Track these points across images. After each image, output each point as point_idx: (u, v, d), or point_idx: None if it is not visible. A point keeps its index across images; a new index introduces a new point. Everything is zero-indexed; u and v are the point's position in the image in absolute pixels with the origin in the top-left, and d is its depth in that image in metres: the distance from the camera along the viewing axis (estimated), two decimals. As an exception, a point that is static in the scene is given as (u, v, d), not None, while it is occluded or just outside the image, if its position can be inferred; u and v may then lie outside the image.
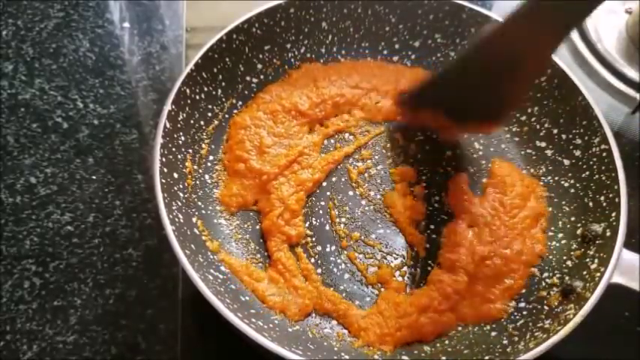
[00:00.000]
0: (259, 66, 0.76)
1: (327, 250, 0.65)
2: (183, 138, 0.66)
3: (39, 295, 0.63)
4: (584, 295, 0.55)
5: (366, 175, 0.71)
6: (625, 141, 0.80)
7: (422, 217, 0.68)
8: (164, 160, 0.60)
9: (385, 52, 0.81)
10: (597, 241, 0.60)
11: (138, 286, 0.65)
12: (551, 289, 0.61)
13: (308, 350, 0.55)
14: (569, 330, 0.51)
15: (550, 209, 0.68)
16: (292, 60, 0.78)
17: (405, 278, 0.64)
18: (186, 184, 0.64)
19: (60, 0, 0.90)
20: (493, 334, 0.59)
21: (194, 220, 0.63)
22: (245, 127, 0.71)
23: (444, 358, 0.57)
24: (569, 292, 0.58)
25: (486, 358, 0.55)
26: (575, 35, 0.90)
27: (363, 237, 0.66)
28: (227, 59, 0.71)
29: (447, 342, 0.59)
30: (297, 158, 0.69)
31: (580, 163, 0.67)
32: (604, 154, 0.64)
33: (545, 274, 0.63)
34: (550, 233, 0.66)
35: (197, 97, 0.68)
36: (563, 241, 0.64)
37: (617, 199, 0.60)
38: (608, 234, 0.59)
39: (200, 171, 0.68)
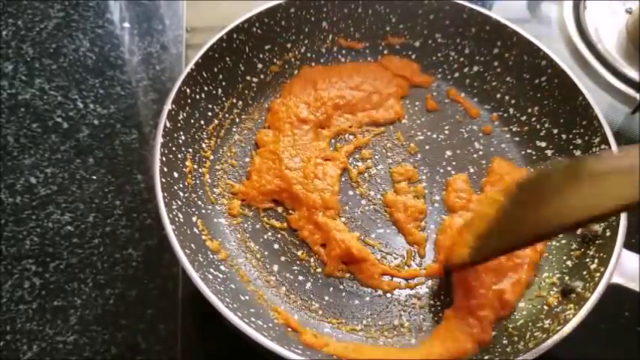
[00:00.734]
0: (259, 65, 0.76)
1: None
2: (183, 137, 0.66)
3: (39, 295, 0.63)
4: (583, 295, 0.55)
5: (366, 175, 0.71)
6: (625, 141, 0.79)
7: (422, 217, 0.68)
8: (164, 159, 0.60)
9: (385, 52, 0.81)
10: (597, 241, 0.60)
11: (138, 286, 0.65)
12: (551, 289, 0.61)
13: (307, 350, 0.55)
14: (569, 330, 0.52)
15: (550, 209, 0.68)
16: (293, 60, 0.78)
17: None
18: (186, 184, 0.64)
19: (60, 0, 0.90)
20: (492, 333, 0.59)
21: (194, 219, 0.63)
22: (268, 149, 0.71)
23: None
24: (568, 292, 0.58)
25: (486, 357, 0.55)
26: (575, 35, 0.90)
27: (362, 237, 0.66)
28: (227, 59, 0.71)
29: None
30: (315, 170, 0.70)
31: (580, 163, 0.67)
32: (604, 154, 0.64)
33: (545, 274, 0.63)
34: (550, 233, 0.66)
35: (197, 97, 0.68)
36: (563, 241, 0.64)
37: (617, 199, 0.60)
38: (608, 234, 0.59)
39: (200, 170, 0.68)
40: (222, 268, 0.61)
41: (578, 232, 0.63)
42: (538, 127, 0.73)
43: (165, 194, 0.58)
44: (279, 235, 0.66)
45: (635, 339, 0.64)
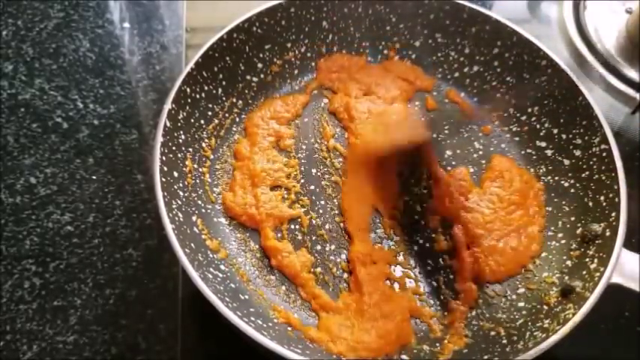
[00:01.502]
0: (260, 65, 0.76)
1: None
2: (183, 137, 0.66)
3: (39, 295, 0.63)
4: (583, 295, 0.55)
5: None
6: (625, 141, 0.79)
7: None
8: (164, 158, 0.60)
9: (386, 51, 0.81)
10: (597, 241, 0.60)
11: (138, 286, 0.65)
12: (551, 288, 0.61)
13: (307, 349, 0.55)
14: (569, 330, 0.51)
15: (550, 209, 0.68)
16: (293, 59, 0.78)
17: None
18: (186, 183, 0.64)
19: (60, 0, 0.90)
20: (492, 333, 0.59)
21: (194, 218, 0.63)
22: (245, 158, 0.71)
23: (443, 358, 0.57)
24: (568, 291, 0.58)
25: (485, 357, 0.55)
26: (575, 35, 0.90)
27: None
28: (227, 58, 0.71)
29: (446, 342, 0.59)
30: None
31: (580, 163, 0.67)
32: (604, 154, 0.64)
33: (545, 274, 0.63)
34: (550, 233, 0.66)
35: (197, 96, 0.68)
36: (562, 241, 0.64)
37: (617, 199, 0.60)
38: (607, 234, 0.59)
39: (200, 170, 0.68)
40: (222, 267, 0.61)
41: (578, 231, 0.63)
42: (538, 126, 0.73)
43: (165, 193, 0.58)
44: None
45: (635, 339, 0.64)
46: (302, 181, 0.70)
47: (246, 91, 0.75)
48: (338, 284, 0.63)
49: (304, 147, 0.73)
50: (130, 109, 0.79)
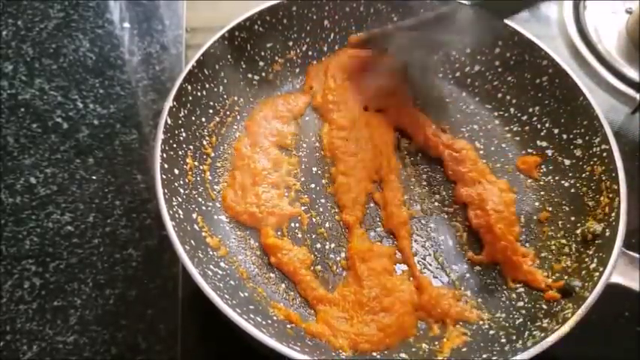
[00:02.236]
0: (261, 63, 0.76)
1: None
2: (184, 134, 0.66)
3: (39, 295, 0.63)
4: (582, 295, 0.55)
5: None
6: (625, 141, 0.79)
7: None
8: (165, 156, 0.61)
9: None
10: (597, 241, 0.60)
11: (138, 286, 0.65)
12: (550, 288, 0.61)
13: (306, 347, 0.55)
14: (568, 329, 0.52)
15: (550, 209, 0.68)
16: (294, 58, 0.78)
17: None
18: (186, 180, 0.64)
19: (60, 0, 0.90)
20: (491, 332, 0.59)
21: (194, 216, 0.63)
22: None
23: (441, 357, 0.57)
24: (568, 291, 0.58)
25: (484, 356, 0.55)
26: (575, 35, 0.90)
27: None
28: (229, 56, 0.71)
29: (445, 340, 0.59)
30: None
31: (580, 163, 0.67)
32: (604, 154, 0.64)
33: (544, 274, 0.63)
34: (550, 233, 0.66)
35: (198, 94, 0.68)
36: (562, 241, 0.64)
37: (617, 199, 0.60)
38: (607, 234, 0.59)
39: (201, 167, 0.68)
40: (222, 264, 0.61)
41: (578, 231, 0.63)
42: (539, 126, 0.73)
43: (166, 191, 0.58)
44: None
45: (635, 339, 0.64)
46: (302, 179, 0.70)
47: (248, 90, 0.75)
48: (337, 282, 0.63)
49: (305, 145, 0.73)
50: (130, 109, 0.79)
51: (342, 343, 0.57)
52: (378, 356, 0.57)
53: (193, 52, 0.69)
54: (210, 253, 0.61)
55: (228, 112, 0.73)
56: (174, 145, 0.63)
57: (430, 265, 0.65)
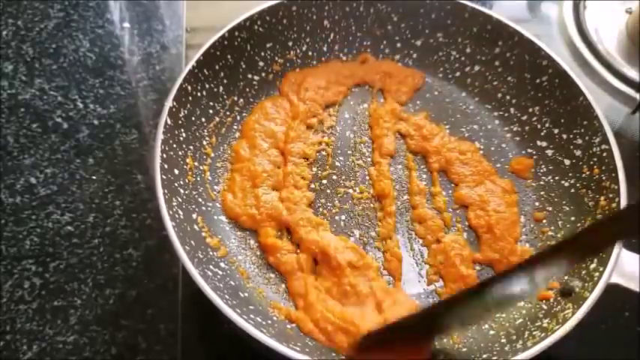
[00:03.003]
0: (261, 63, 0.76)
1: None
2: (184, 134, 0.66)
3: (39, 295, 0.63)
4: (582, 295, 0.55)
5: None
6: (625, 141, 0.79)
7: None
8: (165, 156, 0.61)
9: (387, 50, 0.81)
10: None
11: (138, 286, 0.65)
12: (550, 288, 0.61)
13: (306, 347, 0.55)
14: (568, 329, 0.51)
15: (550, 209, 0.68)
16: (294, 58, 0.78)
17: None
18: (186, 181, 0.64)
19: (60, 0, 0.90)
20: (491, 332, 0.59)
21: (194, 216, 0.63)
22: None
23: (441, 357, 0.57)
24: (568, 291, 0.58)
25: (484, 356, 0.55)
26: (575, 35, 0.90)
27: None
28: (229, 56, 0.71)
29: (444, 340, 0.59)
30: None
31: (580, 163, 0.67)
32: (604, 154, 0.64)
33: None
34: (550, 233, 0.66)
35: (198, 94, 0.68)
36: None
37: (617, 199, 0.60)
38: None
39: (201, 168, 0.68)
40: (222, 265, 0.61)
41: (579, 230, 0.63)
42: (539, 126, 0.73)
43: (166, 191, 0.58)
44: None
45: (635, 339, 0.64)
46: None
47: (248, 90, 0.75)
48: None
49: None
50: (130, 109, 0.79)
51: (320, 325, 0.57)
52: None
53: (193, 52, 0.69)
54: (210, 253, 0.61)
55: (228, 113, 0.73)
56: (174, 146, 0.63)
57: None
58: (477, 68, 0.78)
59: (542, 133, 0.73)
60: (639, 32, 0.87)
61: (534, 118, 0.74)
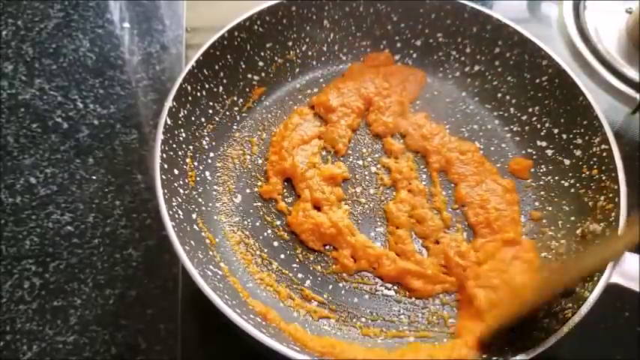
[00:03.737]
0: (261, 64, 0.76)
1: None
2: (184, 134, 0.66)
3: (39, 295, 0.63)
4: (582, 295, 0.55)
5: (365, 173, 0.72)
6: (625, 141, 0.79)
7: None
8: (165, 156, 0.61)
9: (386, 50, 0.81)
10: (597, 241, 0.60)
11: (138, 286, 0.65)
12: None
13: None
14: (568, 329, 0.51)
15: (550, 209, 0.68)
16: (294, 58, 0.78)
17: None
18: (186, 181, 0.64)
19: (60, 0, 0.90)
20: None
21: (194, 216, 0.63)
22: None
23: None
24: (568, 291, 0.58)
25: (484, 356, 0.55)
26: (575, 35, 0.90)
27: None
28: (228, 56, 0.71)
29: (444, 340, 0.59)
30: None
31: (580, 162, 0.67)
32: (604, 154, 0.64)
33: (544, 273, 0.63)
34: (550, 233, 0.66)
35: (198, 94, 0.68)
36: (562, 241, 0.64)
37: (617, 199, 0.60)
38: (607, 234, 0.59)
39: (201, 168, 0.68)
40: (222, 265, 0.61)
41: (578, 231, 0.63)
42: (539, 126, 0.73)
43: (166, 191, 0.58)
44: (278, 233, 0.66)
45: (635, 339, 0.64)
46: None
47: (247, 90, 0.75)
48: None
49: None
50: (130, 109, 0.79)
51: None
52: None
53: (193, 52, 0.69)
54: (210, 253, 0.61)
55: (227, 113, 0.73)
56: (174, 146, 0.63)
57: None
58: (476, 68, 0.78)
59: (542, 133, 0.73)
60: (639, 32, 0.87)
61: (534, 118, 0.74)
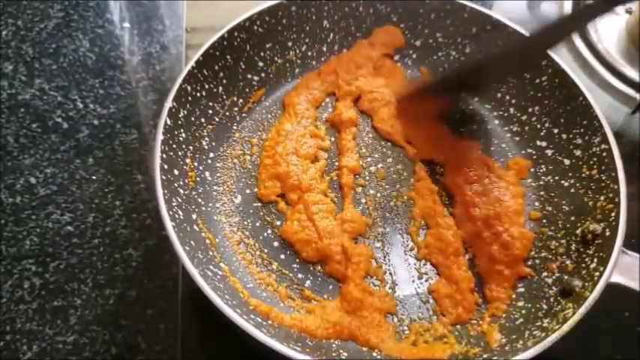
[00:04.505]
0: (260, 64, 0.76)
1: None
2: (183, 135, 0.66)
3: (39, 295, 0.63)
4: (583, 295, 0.55)
5: (366, 172, 0.72)
6: (625, 141, 0.79)
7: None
8: (164, 156, 0.61)
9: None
10: (597, 241, 0.60)
11: (138, 286, 0.65)
12: (550, 288, 0.61)
13: (306, 347, 0.55)
14: (568, 329, 0.51)
15: (550, 209, 0.68)
16: (294, 58, 0.78)
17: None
18: (186, 181, 0.64)
19: (60, 0, 0.90)
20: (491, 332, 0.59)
21: (194, 216, 0.63)
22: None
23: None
24: (568, 291, 0.58)
25: (485, 356, 0.55)
26: (575, 35, 0.90)
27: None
28: (228, 57, 0.71)
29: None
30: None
31: (580, 162, 0.67)
32: (604, 154, 0.64)
33: (544, 273, 0.63)
34: (550, 233, 0.66)
35: (198, 95, 0.68)
36: (562, 241, 0.64)
37: (617, 199, 0.60)
38: (607, 234, 0.59)
39: (200, 168, 0.68)
40: (222, 265, 0.61)
41: (578, 231, 0.63)
42: (538, 126, 0.73)
43: (166, 191, 0.58)
44: (278, 233, 0.66)
45: (635, 339, 0.64)
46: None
47: (247, 90, 0.75)
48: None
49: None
50: (130, 109, 0.79)
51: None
52: (379, 356, 0.57)
53: (193, 52, 0.69)
54: (210, 253, 0.61)
55: (227, 113, 0.73)
56: (174, 146, 0.63)
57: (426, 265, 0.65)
58: (476, 68, 0.78)
59: (542, 133, 0.73)
60: (639, 32, 0.87)
61: (534, 118, 0.74)
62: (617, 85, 0.85)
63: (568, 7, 0.93)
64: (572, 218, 0.65)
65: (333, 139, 0.74)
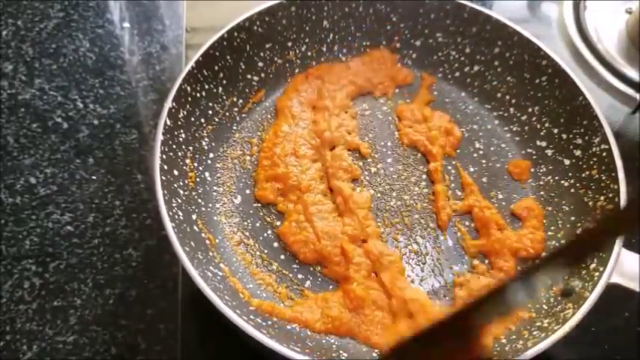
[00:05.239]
0: (260, 64, 0.76)
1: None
2: (183, 135, 0.66)
3: (39, 295, 0.63)
4: (583, 295, 0.55)
5: (366, 172, 0.72)
6: (625, 141, 0.79)
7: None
8: (164, 157, 0.61)
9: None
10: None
11: (138, 286, 0.65)
12: (550, 288, 0.61)
13: (306, 348, 0.55)
14: (568, 329, 0.51)
15: (550, 209, 0.68)
16: (294, 58, 0.78)
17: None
18: (186, 182, 0.64)
19: (60, 0, 0.90)
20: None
21: (194, 217, 0.63)
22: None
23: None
24: (568, 291, 0.58)
25: (484, 357, 0.55)
26: (575, 35, 0.90)
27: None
28: (228, 57, 0.71)
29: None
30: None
31: (580, 162, 0.67)
32: (604, 154, 0.64)
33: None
34: (550, 233, 0.66)
35: (198, 95, 0.68)
36: (562, 241, 0.64)
37: (617, 199, 0.60)
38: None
39: (200, 168, 0.68)
40: (222, 266, 0.61)
41: (578, 231, 0.63)
42: (538, 126, 0.73)
43: (165, 192, 0.58)
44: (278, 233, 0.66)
45: (635, 339, 0.64)
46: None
47: (247, 90, 0.75)
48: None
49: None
50: (130, 109, 0.79)
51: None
52: (377, 356, 0.57)
53: (193, 52, 0.69)
54: (210, 254, 0.61)
55: (227, 113, 0.73)
56: (174, 147, 0.63)
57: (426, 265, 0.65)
58: (476, 68, 0.78)
59: (542, 133, 0.73)
60: (639, 32, 0.87)
61: (534, 118, 0.74)
62: (617, 85, 0.85)
63: (568, 7, 0.93)
64: (572, 218, 0.65)
65: (333, 139, 0.74)
